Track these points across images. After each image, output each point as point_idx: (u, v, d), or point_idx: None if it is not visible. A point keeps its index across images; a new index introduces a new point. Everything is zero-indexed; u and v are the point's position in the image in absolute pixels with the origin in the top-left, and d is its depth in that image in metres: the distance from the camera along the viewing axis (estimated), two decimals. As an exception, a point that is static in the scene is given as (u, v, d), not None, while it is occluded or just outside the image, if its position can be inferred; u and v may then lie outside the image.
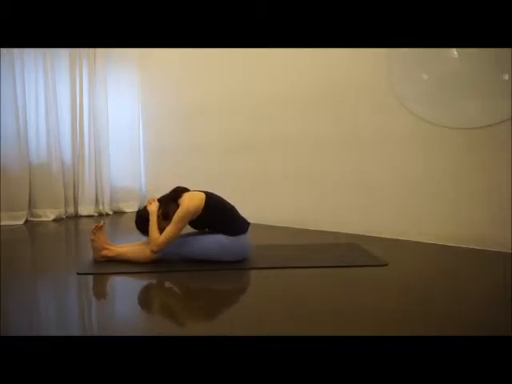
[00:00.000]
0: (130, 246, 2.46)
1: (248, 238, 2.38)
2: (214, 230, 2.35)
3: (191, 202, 2.26)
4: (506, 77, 2.61)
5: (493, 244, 2.67)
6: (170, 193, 2.40)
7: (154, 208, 2.33)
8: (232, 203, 2.45)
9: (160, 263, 2.30)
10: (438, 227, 2.94)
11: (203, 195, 2.31)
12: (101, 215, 4.81)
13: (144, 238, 2.41)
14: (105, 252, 2.36)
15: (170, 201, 2.34)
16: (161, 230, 2.27)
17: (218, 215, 2.32)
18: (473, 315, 1.63)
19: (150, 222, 2.28)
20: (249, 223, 2.41)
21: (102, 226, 2.38)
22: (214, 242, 2.31)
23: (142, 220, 2.36)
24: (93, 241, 2.37)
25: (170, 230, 2.23)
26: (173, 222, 2.23)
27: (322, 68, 3.48)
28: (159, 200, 2.39)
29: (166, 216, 2.31)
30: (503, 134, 2.62)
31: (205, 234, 2.39)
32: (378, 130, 3.20)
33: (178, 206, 2.28)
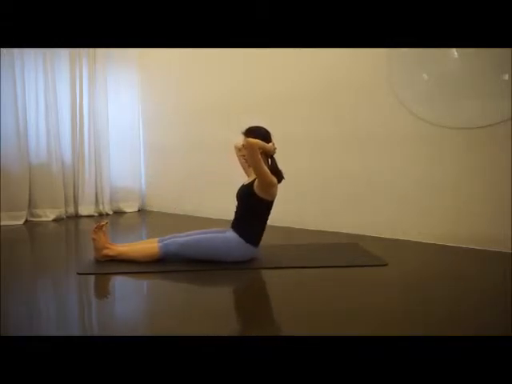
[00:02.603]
0: (132, 245, 2.46)
1: (254, 251, 2.38)
2: (240, 225, 2.36)
3: (274, 187, 2.34)
4: (506, 77, 2.61)
5: (493, 244, 2.67)
6: (276, 165, 2.42)
7: (271, 148, 2.35)
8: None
9: (161, 263, 2.30)
10: (438, 227, 2.94)
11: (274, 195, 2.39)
12: (101, 215, 4.80)
13: (144, 238, 2.41)
14: (106, 251, 2.35)
15: (272, 168, 2.37)
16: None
17: (260, 216, 2.37)
18: (473, 315, 1.63)
19: (261, 142, 2.27)
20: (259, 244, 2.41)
21: (103, 225, 2.38)
22: (221, 242, 2.31)
23: (261, 131, 2.36)
24: (94, 240, 2.36)
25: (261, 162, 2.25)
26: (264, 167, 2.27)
27: (322, 68, 3.48)
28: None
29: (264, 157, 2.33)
30: (503, 134, 2.62)
31: (209, 233, 2.41)
32: (378, 130, 3.20)
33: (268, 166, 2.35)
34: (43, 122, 4.40)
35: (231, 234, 2.34)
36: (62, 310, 1.78)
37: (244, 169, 2.60)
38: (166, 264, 2.29)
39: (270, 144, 2.34)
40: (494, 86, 2.67)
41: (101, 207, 4.88)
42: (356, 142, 3.33)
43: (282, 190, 3.98)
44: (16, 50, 4.14)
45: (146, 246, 2.39)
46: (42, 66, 4.38)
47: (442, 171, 2.92)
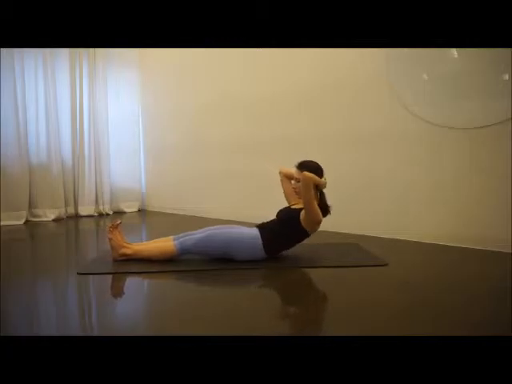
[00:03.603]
0: (147, 244, 2.47)
1: (262, 257, 2.37)
2: (268, 231, 2.36)
3: (319, 224, 2.34)
4: (506, 77, 2.61)
5: (493, 244, 2.67)
6: (325, 200, 2.41)
7: (323, 183, 2.36)
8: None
9: (169, 263, 2.30)
10: (438, 227, 2.94)
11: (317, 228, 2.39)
12: (101, 215, 4.81)
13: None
14: (123, 250, 2.35)
15: (320, 202, 2.37)
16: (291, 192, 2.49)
17: (294, 241, 2.41)
18: (473, 315, 1.63)
19: (316, 177, 2.29)
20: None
21: (118, 224, 2.38)
22: (231, 235, 2.32)
23: (315, 166, 2.38)
24: (111, 240, 2.35)
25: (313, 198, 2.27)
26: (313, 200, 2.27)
27: (321, 68, 3.48)
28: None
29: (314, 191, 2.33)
30: (503, 133, 2.62)
31: (224, 229, 2.41)
32: (378, 129, 3.20)
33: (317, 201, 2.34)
34: (43, 122, 4.40)
35: (253, 231, 2.35)
36: (62, 309, 1.79)
37: (287, 196, 2.60)
38: (168, 264, 2.29)
39: (322, 179, 2.36)
40: (494, 86, 2.67)
41: (101, 207, 4.89)
42: (356, 142, 3.33)
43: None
44: (16, 50, 4.15)
45: (162, 244, 2.39)
46: (41, 66, 4.38)
47: (442, 171, 2.91)
